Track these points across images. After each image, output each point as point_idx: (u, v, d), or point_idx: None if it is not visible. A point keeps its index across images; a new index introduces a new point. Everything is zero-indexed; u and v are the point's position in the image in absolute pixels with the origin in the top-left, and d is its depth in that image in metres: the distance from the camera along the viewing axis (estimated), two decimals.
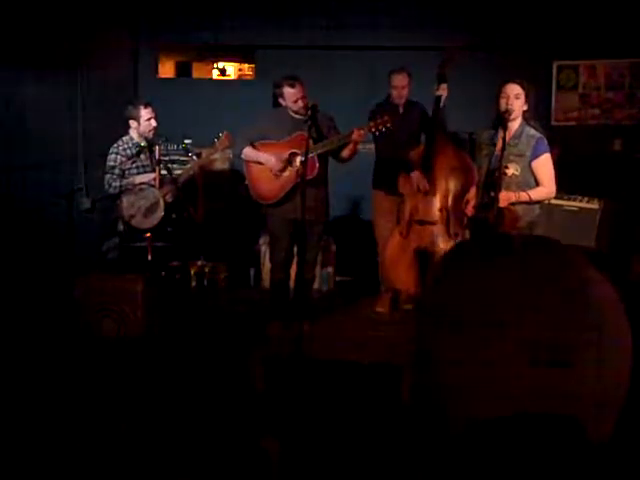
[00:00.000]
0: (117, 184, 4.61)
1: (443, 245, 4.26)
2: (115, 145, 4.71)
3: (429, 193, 4.37)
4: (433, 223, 4.33)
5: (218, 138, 4.57)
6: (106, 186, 4.64)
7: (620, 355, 0.61)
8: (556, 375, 0.57)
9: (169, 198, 4.58)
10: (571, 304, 0.60)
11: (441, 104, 4.46)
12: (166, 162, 4.63)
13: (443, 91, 4.41)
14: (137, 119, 4.70)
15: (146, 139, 4.75)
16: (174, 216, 4.64)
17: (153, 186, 4.55)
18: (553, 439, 0.56)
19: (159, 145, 4.54)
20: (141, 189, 4.54)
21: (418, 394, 0.60)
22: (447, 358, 0.62)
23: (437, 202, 4.35)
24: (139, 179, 4.65)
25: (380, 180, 5.00)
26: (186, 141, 4.78)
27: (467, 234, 4.28)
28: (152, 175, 4.61)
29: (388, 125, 4.26)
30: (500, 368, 0.57)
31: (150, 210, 4.56)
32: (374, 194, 5.13)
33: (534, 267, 0.62)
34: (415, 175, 4.43)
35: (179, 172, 4.82)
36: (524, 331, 0.58)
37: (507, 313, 0.59)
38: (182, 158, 5.32)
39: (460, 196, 4.31)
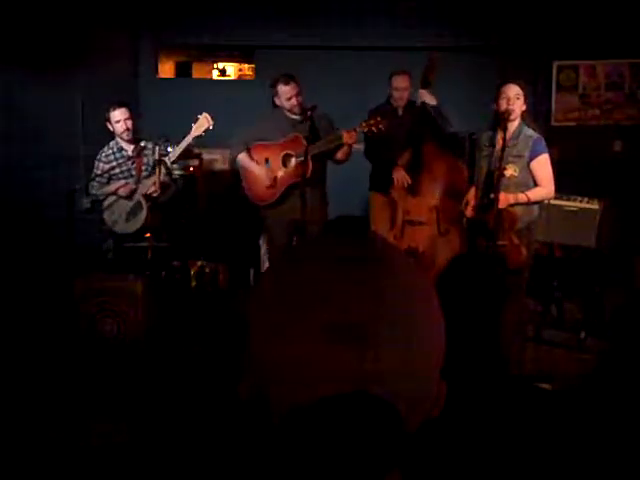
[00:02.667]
0: (94, 192, 4.59)
1: (434, 244, 4.29)
2: (100, 151, 4.65)
3: (418, 194, 4.39)
4: (424, 223, 4.36)
5: (196, 121, 4.41)
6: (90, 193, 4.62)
7: (421, 346, 0.64)
8: (350, 355, 0.60)
9: (153, 192, 4.41)
10: (367, 287, 0.63)
11: (429, 109, 4.48)
12: (166, 162, 4.60)
13: (425, 97, 4.34)
14: (110, 123, 4.56)
15: (131, 142, 4.61)
16: (187, 207, 4.59)
17: (124, 196, 4.50)
18: (360, 419, 0.59)
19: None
20: (118, 195, 4.53)
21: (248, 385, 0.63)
22: (262, 341, 0.65)
23: (426, 202, 4.38)
24: (112, 187, 4.59)
25: (377, 182, 5.00)
26: (142, 144, 4.66)
27: (459, 229, 4.31)
28: (120, 183, 4.55)
29: (381, 127, 4.23)
30: (302, 350, 0.61)
31: (131, 213, 4.53)
32: (371, 196, 5.13)
33: (340, 252, 0.65)
34: (397, 171, 4.44)
35: (179, 172, 4.77)
36: (324, 313, 0.61)
37: (311, 296, 0.62)
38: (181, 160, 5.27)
39: (449, 195, 4.34)
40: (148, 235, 4.40)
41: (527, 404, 1.53)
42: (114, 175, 4.62)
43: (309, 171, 4.24)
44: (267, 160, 4.49)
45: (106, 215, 4.59)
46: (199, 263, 4.86)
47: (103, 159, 4.64)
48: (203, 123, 4.40)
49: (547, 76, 6.17)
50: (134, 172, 4.60)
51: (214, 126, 4.43)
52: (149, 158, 4.61)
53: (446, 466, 1.36)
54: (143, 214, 4.48)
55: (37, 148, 5.62)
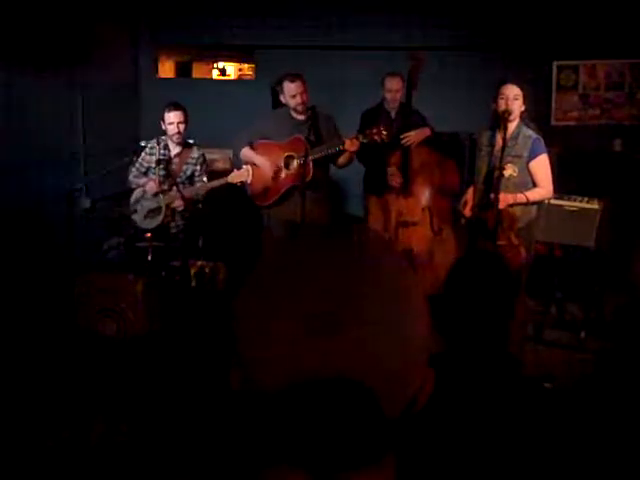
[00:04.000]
0: (130, 179, 4.74)
1: (428, 244, 4.32)
2: (149, 141, 4.70)
3: (409, 195, 4.39)
4: (417, 224, 4.38)
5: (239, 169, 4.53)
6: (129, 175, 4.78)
7: (401, 330, 0.65)
8: (329, 343, 0.61)
9: (179, 207, 4.57)
10: (346, 277, 0.65)
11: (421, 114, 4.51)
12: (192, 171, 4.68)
13: (411, 137, 4.42)
14: (164, 122, 4.61)
15: (179, 145, 4.67)
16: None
17: (158, 194, 4.60)
18: (343, 405, 0.61)
19: (190, 150, 4.61)
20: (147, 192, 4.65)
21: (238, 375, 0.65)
22: (247, 340, 0.67)
23: (418, 202, 4.40)
24: (142, 181, 4.71)
25: (371, 184, 4.99)
26: (190, 141, 4.75)
27: (453, 227, 4.34)
28: (153, 183, 4.61)
29: (383, 136, 4.20)
30: (285, 340, 0.62)
31: (152, 213, 4.63)
32: (366, 198, 5.13)
33: (317, 247, 0.68)
34: (390, 171, 4.44)
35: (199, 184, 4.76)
36: (303, 304, 0.63)
37: (293, 289, 0.64)
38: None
39: (441, 195, 4.37)
40: (148, 235, 4.41)
41: (527, 404, 1.54)
42: (151, 169, 4.67)
43: (309, 174, 4.23)
44: (269, 160, 4.49)
45: (132, 203, 4.71)
46: (199, 263, 4.85)
47: (147, 150, 4.70)
48: (243, 174, 4.47)
49: (547, 76, 6.16)
50: (169, 174, 4.62)
51: (214, 126, 4.44)
52: (189, 166, 4.69)
53: (445, 458, 1.36)
54: (160, 218, 4.58)
55: (37, 148, 5.61)
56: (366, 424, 0.63)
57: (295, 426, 0.62)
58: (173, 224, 4.67)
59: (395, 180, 4.42)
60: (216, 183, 4.57)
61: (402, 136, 4.40)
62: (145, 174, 4.73)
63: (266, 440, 0.65)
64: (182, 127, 4.59)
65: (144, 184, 4.68)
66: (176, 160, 4.68)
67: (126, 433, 3.12)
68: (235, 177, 4.48)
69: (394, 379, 0.64)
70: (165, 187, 4.61)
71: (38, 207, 5.46)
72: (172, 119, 4.55)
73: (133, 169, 4.74)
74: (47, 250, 5.28)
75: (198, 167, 4.68)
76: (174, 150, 4.69)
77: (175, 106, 4.58)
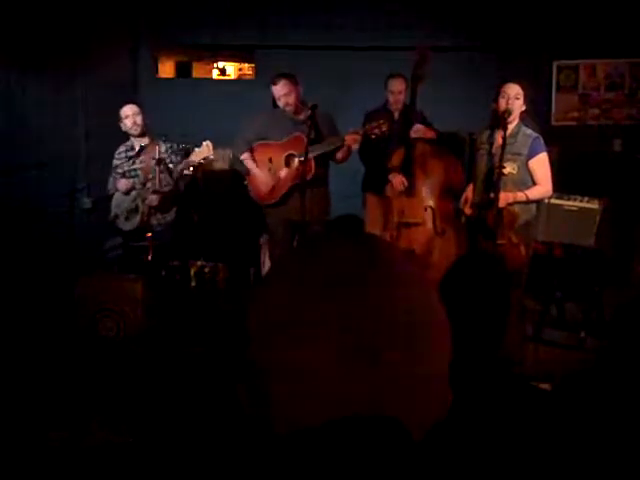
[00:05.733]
0: (108, 187, 4.75)
1: (431, 245, 4.23)
2: (120, 146, 4.74)
3: (412, 194, 4.29)
4: (420, 224, 4.27)
5: (199, 146, 4.49)
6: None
7: (429, 358, 0.59)
8: (365, 374, 0.55)
9: (153, 202, 4.55)
10: (376, 302, 0.59)
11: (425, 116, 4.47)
12: (166, 162, 4.62)
13: (420, 132, 4.36)
14: (121, 120, 4.65)
15: (141, 138, 4.67)
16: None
17: (124, 194, 4.61)
18: (373, 439, 0.55)
19: (158, 145, 4.54)
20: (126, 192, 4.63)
21: (252, 404, 0.58)
22: (267, 362, 0.60)
23: (421, 202, 4.29)
24: (117, 184, 4.68)
25: (371, 183, 4.98)
26: (162, 137, 4.74)
27: (455, 227, 4.26)
28: (125, 182, 4.62)
29: (384, 130, 4.20)
30: (312, 370, 0.56)
31: (131, 213, 4.63)
32: (365, 197, 5.11)
33: (341, 263, 0.61)
34: (394, 176, 4.36)
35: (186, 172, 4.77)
36: (330, 331, 0.56)
37: (314, 313, 0.58)
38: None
39: (444, 193, 4.28)
40: (148, 235, 4.41)
41: (527, 404, 1.53)
42: (127, 172, 4.69)
43: (310, 172, 4.23)
44: (270, 160, 4.49)
45: (112, 208, 4.71)
46: (199, 263, 4.86)
47: (116, 156, 4.74)
48: (204, 151, 4.48)
49: (547, 76, 6.16)
50: (140, 172, 4.64)
51: (214, 126, 4.44)
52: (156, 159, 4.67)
53: (446, 467, 1.36)
54: (138, 218, 4.59)
55: (37, 148, 5.61)
56: (403, 469, 0.58)
57: (317, 462, 0.56)
58: (154, 221, 4.64)
59: (397, 183, 4.32)
60: (182, 166, 4.55)
61: (413, 129, 4.30)
62: (124, 176, 4.71)
63: (278, 463, 0.59)
64: (138, 119, 4.63)
65: (116, 184, 4.67)
66: (144, 157, 4.66)
67: (126, 433, 3.12)
68: (196, 155, 4.47)
69: (424, 408, 0.59)
70: (138, 186, 4.62)
71: (39, 207, 5.46)
72: (127, 112, 4.62)
73: (110, 178, 4.75)
74: (48, 250, 5.28)
75: (168, 159, 4.61)
76: (138, 145, 4.68)
77: (126, 102, 4.70)
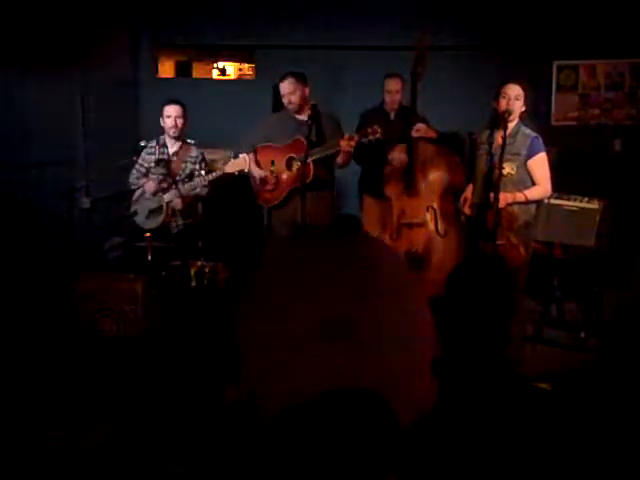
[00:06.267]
0: (131, 180, 4.75)
1: (433, 246, 4.16)
2: (152, 140, 4.73)
3: (413, 194, 4.21)
4: (421, 225, 4.19)
5: (235, 157, 4.53)
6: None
7: (409, 341, 0.63)
8: (342, 349, 0.59)
9: (177, 206, 4.60)
10: (352, 278, 0.62)
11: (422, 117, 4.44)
12: (196, 169, 4.68)
13: (422, 132, 4.28)
14: (162, 117, 4.64)
15: (177, 141, 4.68)
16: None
17: (158, 193, 4.62)
18: (357, 415, 0.57)
19: (189, 149, 4.59)
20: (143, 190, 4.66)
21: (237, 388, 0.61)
22: (252, 342, 0.63)
23: (423, 203, 4.20)
24: (142, 181, 4.72)
25: (367, 185, 4.96)
26: (189, 141, 4.75)
27: (458, 229, 4.21)
28: (152, 184, 4.64)
29: (378, 135, 4.12)
30: (297, 348, 0.59)
31: (153, 212, 4.64)
32: (362, 199, 5.09)
33: (328, 251, 0.65)
34: (397, 151, 4.27)
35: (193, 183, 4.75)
36: (314, 310, 0.60)
37: (300, 293, 0.61)
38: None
39: (446, 193, 4.22)
40: (148, 235, 4.41)
41: (527, 404, 1.53)
42: (152, 169, 4.69)
43: (309, 175, 4.22)
44: (272, 162, 4.48)
45: (133, 204, 4.73)
46: (199, 263, 4.85)
47: (147, 150, 4.72)
48: (241, 163, 4.49)
49: (547, 76, 6.16)
50: (169, 173, 4.64)
51: (214, 126, 4.44)
52: (187, 164, 4.68)
53: (443, 467, 1.36)
54: (161, 218, 4.62)
55: (37, 148, 5.61)
56: (385, 439, 0.60)
57: (310, 442, 0.59)
58: (174, 224, 4.68)
59: (401, 160, 4.21)
60: (214, 175, 4.57)
61: (414, 128, 4.21)
62: (145, 175, 4.74)
63: (272, 454, 0.62)
64: (180, 122, 4.61)
65: (143, 184, 4.68)
66: (174, 158, 4.69)
67: (125, 433, 3.12)
68: (232, 166, 4.48)
69: (402, 386, 0.62)
70: (164, 186, 4.62)
71: (38, 207, 5.46)
72: (170, 112, 4.60)
73: (134, 170, 4.76)
74: (47, 250, 5.29)
75: (197, 166, 4.68)
76: (172, 148, 4.70)
77: (174, 101, 4.64)
